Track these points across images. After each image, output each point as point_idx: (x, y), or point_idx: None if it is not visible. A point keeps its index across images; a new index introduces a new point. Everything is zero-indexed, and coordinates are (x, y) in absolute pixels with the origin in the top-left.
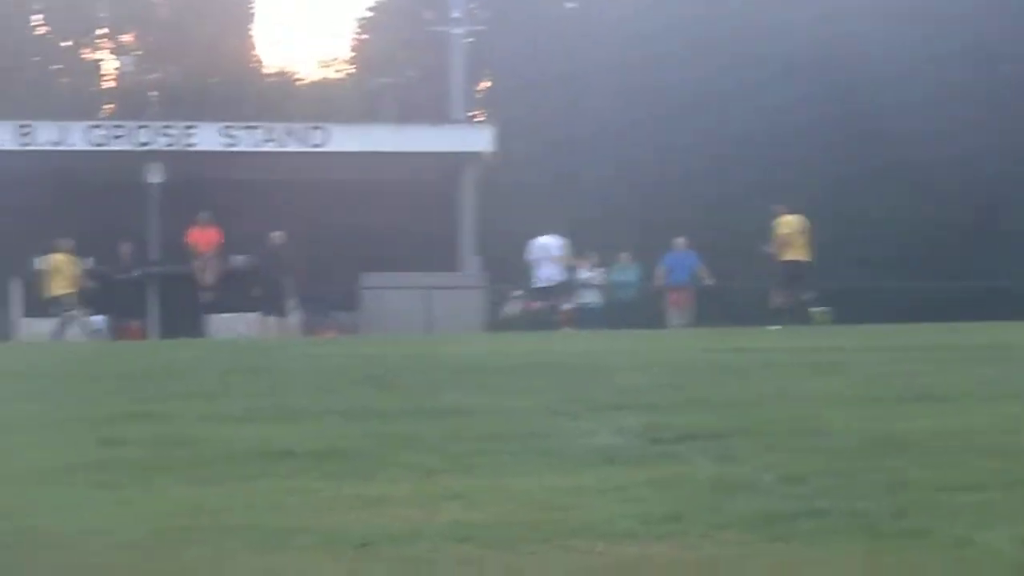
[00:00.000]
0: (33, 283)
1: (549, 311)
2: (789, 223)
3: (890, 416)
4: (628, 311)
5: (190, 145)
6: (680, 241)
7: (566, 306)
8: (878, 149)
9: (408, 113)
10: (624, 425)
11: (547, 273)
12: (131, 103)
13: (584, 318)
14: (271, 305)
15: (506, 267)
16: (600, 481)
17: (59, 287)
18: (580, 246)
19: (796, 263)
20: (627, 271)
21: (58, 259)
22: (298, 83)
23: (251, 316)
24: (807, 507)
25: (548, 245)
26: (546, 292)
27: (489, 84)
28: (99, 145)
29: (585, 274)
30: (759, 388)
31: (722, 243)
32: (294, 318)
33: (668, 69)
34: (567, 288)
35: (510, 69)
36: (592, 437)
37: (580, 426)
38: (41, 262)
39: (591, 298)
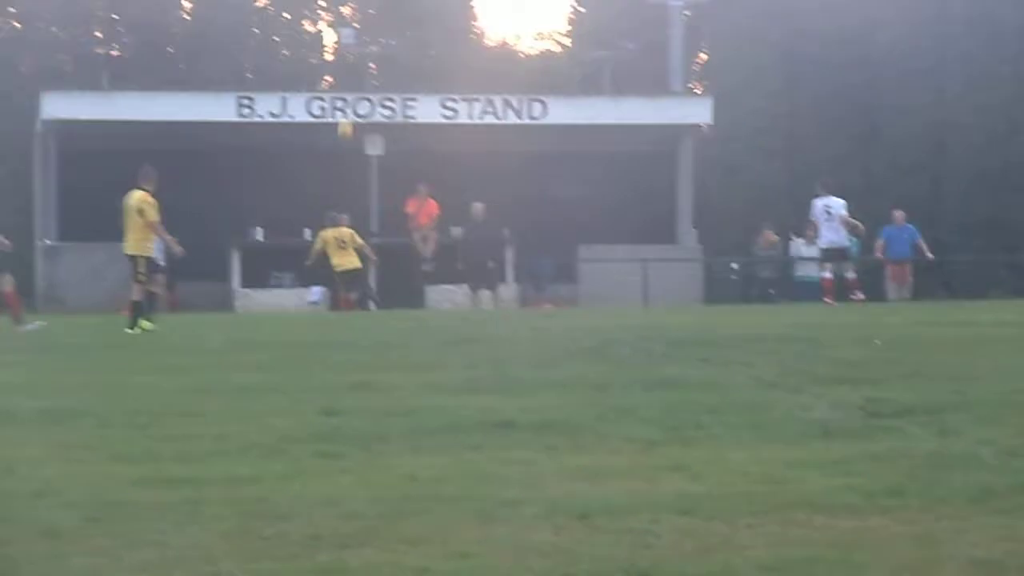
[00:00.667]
0: (250, 254)
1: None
2: None
3: None
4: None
5: (410, 117)
6: (899, 215)
7: (849, 274)
8: None
9: (625, 85)
10: (842, 399)
11: (829, 237)
12: (350, 75)
13: (802, 291)
14: (477, 277)
15: (722, 239)
16: (818, 454)
17: (344, 261)
18: (798, 220)
19: None
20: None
21: (343, 232)
22: (517, 55)
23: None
24: None
25: (831, 205)
26: (828, 255)
27: (706, 57)
28: (319, 117)
29: (803, 247)
30: (977, 362)
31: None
32: (509, 290)
33: (885, 37)
34: (845, 254)
35: (728, 41)
36: (810, 410)
37: (798, 399)
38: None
39: (809, 271)
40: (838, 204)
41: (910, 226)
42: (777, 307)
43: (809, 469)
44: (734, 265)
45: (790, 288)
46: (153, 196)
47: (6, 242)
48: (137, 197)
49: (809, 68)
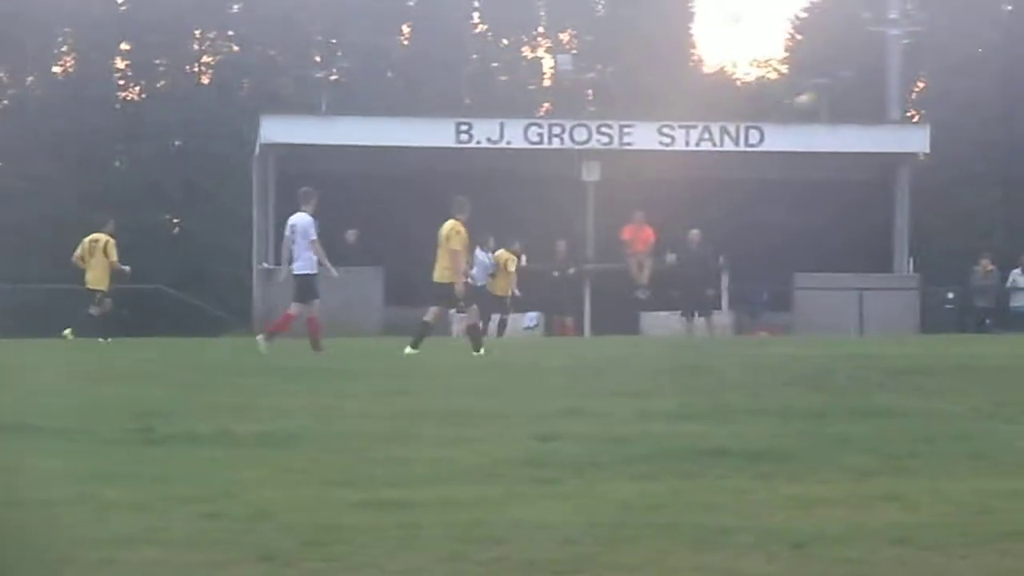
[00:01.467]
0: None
1: None
2: None
3: None
4: None
5: (627, 144)
6: None
7: None
8: None
9: (842, 114)
10: None
11: None
12: (568, 101)
13: (1018, 322)
14: (693, 304)
15: (939, 269)
16: None
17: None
18: (1015, 249)
19: None
20: None
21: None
22: (734, 82)
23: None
24: None
25: None
26: None
27: (923, 85)
28: (536, 143)
29: (1021, 278)
30: None
31: None
32: (723, 317)
33: None
34: None
35: (945, 70)
36: None
37: (1015, 429)
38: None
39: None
40: None
41: None
42: (993, 337)
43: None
44: (950, 295)
45: (1007, 318)
46: (464, 226)
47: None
48: (448, 226)
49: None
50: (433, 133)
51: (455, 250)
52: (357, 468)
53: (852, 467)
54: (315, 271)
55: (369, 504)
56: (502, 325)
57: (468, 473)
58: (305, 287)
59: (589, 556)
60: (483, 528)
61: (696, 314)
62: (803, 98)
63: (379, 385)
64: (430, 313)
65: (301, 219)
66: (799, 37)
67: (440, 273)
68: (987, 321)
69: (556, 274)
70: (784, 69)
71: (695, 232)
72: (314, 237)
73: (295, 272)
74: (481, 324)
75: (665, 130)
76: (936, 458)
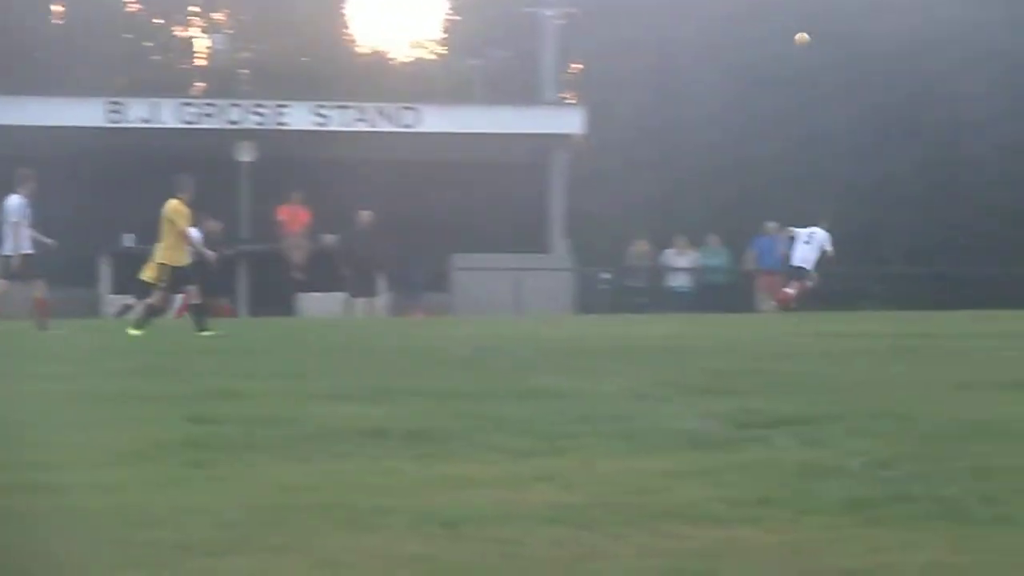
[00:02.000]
0: (120, 261)
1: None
2: None
3: (982, 402)
4: (718, 295)
5: (282, 124)
6: (771, 225)
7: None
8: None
9: (499, 95)
10: (712, 409)
11: (801, 254)
12: (222, 81)
13: (673, 302)
14: (359, 286)
15: (595, 251)
16: (687, 465)
17: None
18: (669, 230)
19: None
20: (717, 255)
21: None
22: (390, 63)
23: (340, 296)
24: (895, 492)
25: (809, 232)
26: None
27: (580, 67)
28: (190, 123)
29: (675, 258)
30: (847, 373)
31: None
32: (383, 299)
33: (759, 51)
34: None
35: (601, 52)
36: (680, 421)
37: (669, 409)
38: None
39: (680, 282)
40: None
41: (782, 237)
42: (649, 317)
43: (678, 479)
44: (606, 275)
45: (662, 298)
46: (187, 206)
47: (48, 242)
48: (171, 206)
49: (682, 79)
50: (83, 113)
51: (182, 230)
52: (4, 452)
53: (508, 447)
54: (28, 251)
55: (18, 487)
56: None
57: (122, 456)
58: (21, 267)
59: (244, 538)
60: (138, 511)
61: (362, 295)
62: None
63: (33, 369)
64: (155, 296)
65: (10, 201)
66: (456, 18)
67: (166, 254)
68: (643, 301)
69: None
70: (441, 50)
71: (365, 214)
72: (16, 219)
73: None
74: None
75: (320, 110)
76: (592, 438)
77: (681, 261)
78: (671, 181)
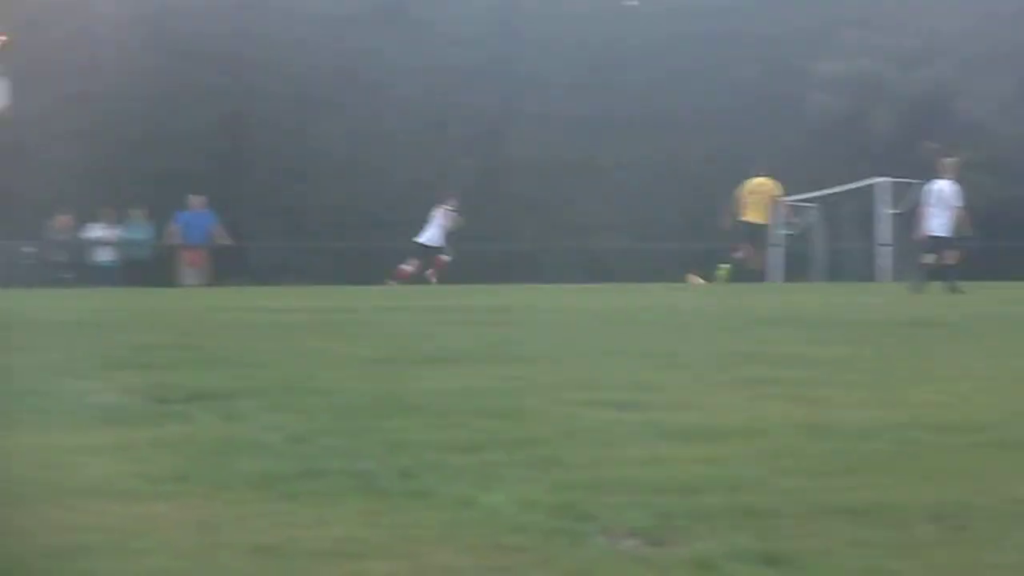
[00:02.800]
0: None
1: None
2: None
3: (398, 377)
4: (141, 269)
5: None
6: (197, 200)
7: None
8: None
9: None
10: (131, 384)
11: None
12: None
13: (98, 276)
14: None
15: (18, 223)
16: (104, 440)
17: None
18: (94, 204)
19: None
20: (140, 229)
21: None
22: None
23: None
24: (310, 467)
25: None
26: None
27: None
28: None
29: (99, 232)
30: (270, 348)
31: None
32: None
33: (185, 24)
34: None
35: (24, 22)
36: (97, 396)
37: (85, 385)
38: None
39: (105, 256)
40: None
41: (208, 211)
42: (73, 291)
43: (93, 455)
44: (28, 249)
45: (87, 272)
46: None
47: None
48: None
49: (106, 50)
50: None
51: None
52: None
53: None
54: None
55: None
56: None
57: None
58: None
59: None
60: None
61: None
62: None
63: None
64: None
65: None
66: None
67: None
68: (67, 276)
69: None
70: None
71: None
72: None
73: None
74: None
75: None
76: (8, 414)
77: (105, 235)
78: (95, 154)
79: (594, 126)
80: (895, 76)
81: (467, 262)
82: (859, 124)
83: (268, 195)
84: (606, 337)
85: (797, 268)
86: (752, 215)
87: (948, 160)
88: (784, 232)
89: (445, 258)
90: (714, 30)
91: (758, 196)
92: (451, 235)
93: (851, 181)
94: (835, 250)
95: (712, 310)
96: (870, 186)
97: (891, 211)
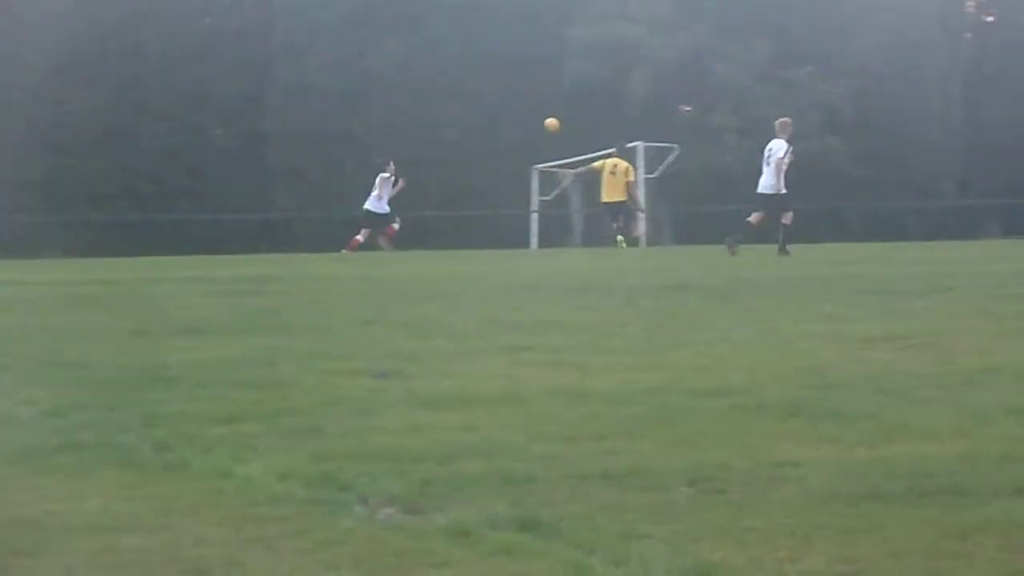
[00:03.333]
0: None
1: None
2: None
3: (156, 349)
4: None
5: None
6: None
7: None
8: None
9: None
10: None
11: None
12: None
13: None
14: None
15: None
16: None
17: None
18: None
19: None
20: None
21: None
22: None
23: None
24: (68, 440)
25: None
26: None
27: None
28: None
29: None
30: (22, 322)
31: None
32: None
33: None
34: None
35: None
36: None
37: None
38: None
39: None
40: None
41: None
42: None
43: None
44: None
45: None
46: None
47: None
48: None
49: None
50: None
51: None
52: None
53: None
54: None
55: None
56: None
57: None
58: None
59: None
60: None
61: None
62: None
63: None
64: None
65: None
66: None
67: None
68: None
69: None
70: None
71: None
72: None
73: None
74: None
75: None
76: None
77: None
78: None
79: (351, 97)
80: (651, 41)
81: (227, 231)
82: (616, 89)
83: (22, 166)
84: (366, 307)
85: (555, 234)
86: (611, 195)
87: (780, 120)
88: (540, 198)
89: (395, 225)
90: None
91: (616, 177)
92: (393, 200)
93: (608, 146)
94: (591, 215)
95: (471, 278)
96: (628, 150)
97: (648, 175)
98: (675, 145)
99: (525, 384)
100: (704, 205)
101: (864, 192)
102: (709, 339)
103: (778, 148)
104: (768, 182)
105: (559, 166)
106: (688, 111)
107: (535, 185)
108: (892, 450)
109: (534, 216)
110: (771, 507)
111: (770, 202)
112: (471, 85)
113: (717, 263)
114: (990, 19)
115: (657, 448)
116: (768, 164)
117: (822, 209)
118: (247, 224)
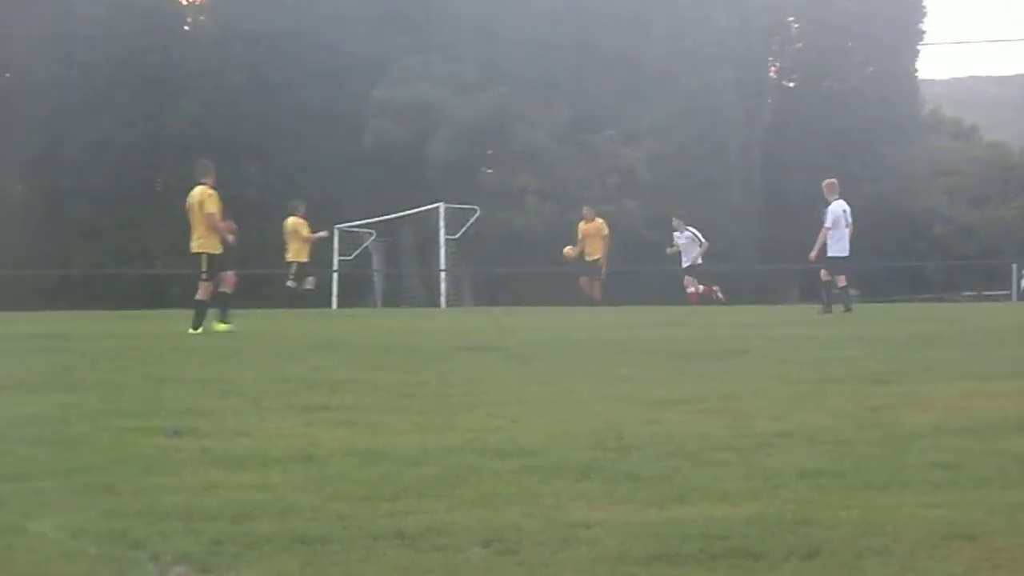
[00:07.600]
0: None
1: None
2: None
3: None
4: None
5: None
6: None
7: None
8: None
9: None
10: None
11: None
12: None
13: None
14: None
15: None
16: None
17: None
18: None
19: None
20: None
21: None
22: None
23: None
24: None
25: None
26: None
27: None
28: None
29: None
30: None
31: None
32: None
33: None
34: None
35: None
36: None
37: None
38: None
39: None
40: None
41: None
42: None
43: None
44: None
45: None
46: (213, 189)
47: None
48: (198, 192)
49: None
50: None
51: (211, 213)
52: None
53: None
54: None
55: None
56: None
57: None
58: None
59: None
60: None
61: None
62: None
63: None
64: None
65: None
66: None
67: (197, 243)
68: None
69: None
70: None
71: None
72: None
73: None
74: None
75: None
76: None
77: None
78: None
79: (148, 151)
80: (453, 102)
81: (19, 288)
82: (418, 150)
83: None
84: (162, 364)
85: (353, 294)
86: (590, 251)
87: (827, 182)
88: (340, 258)
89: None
90: (279, 54)
91: (592, 235)
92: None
93: (410, 207)
94: (393, 276)
95: (270, 336)
96: (429, 211)
97: (449, 236)
98: (475, 207)
99: (320, 444)
100: (505, 266)
101: (660, 255)
102: (505, 400)
103: (846, 212)
104: (843, 244)
105: (360, 226)
106: (490, 173)
107: (336, 244)
108: (685, 512)
109: (334, 276)
110: (564, 568)
111: (847, 263)
112: (269, 143)
113: (516, 324)
114: (791, 85)
115: (451, 508)
116: (848, 226)
117: (620, 272)
118: (42, 280)
